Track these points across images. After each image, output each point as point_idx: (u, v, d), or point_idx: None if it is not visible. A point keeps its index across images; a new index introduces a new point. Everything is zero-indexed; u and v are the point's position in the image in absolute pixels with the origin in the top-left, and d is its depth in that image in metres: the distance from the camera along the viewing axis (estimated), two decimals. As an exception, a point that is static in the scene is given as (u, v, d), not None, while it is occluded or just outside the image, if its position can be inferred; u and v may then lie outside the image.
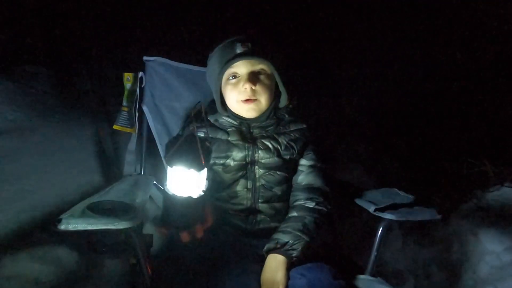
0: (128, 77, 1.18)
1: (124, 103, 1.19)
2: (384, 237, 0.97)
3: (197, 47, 2.22)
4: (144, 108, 1.16)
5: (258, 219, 0.99)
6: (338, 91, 2.31)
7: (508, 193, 1.73)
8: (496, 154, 1.95)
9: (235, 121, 1.03)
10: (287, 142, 1.02)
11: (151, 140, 1.20)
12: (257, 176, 0.99)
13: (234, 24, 2.37)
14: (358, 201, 1.05)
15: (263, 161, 0.99)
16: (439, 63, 2.33)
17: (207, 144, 0.79)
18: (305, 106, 1.13)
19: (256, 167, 0.99)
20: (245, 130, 1.03)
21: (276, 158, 0.99)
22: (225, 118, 1.04)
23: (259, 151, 0.99)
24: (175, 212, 0.75)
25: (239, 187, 0.99)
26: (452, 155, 2.04)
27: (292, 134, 1.04)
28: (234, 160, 0.98)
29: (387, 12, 2.38)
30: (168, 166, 0.73)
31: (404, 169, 2.07)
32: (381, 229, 0.97)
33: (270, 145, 1.00)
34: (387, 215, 0.95)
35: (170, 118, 1.24)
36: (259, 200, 0.99)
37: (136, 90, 1.16)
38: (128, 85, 1.18)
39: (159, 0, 2.40)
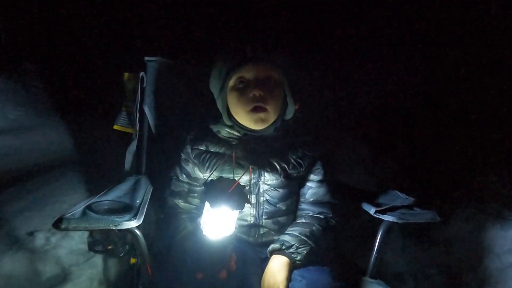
0: (129, 77, 1.17)
1: (125, 103, 1.18)
2: (385, 239, 0.97)
3: (199, 47, 2.23)
4: (145, 108, 1.16)
5: (261, 232, 0.97)
6: (339, 92, 2.31)
7: (509, 195, 1.73)
8: (497, 155, 1.95)
9: (239, 132, 0.96)
10: (294, 160, 0.96)
11: (152, 140, 1.20)
12: (261, 191, 0.95)
13: (237, 24, 2.37)
14: (359, 203, 1.05)
15: (268, 182, 0.95)
16: (441, 64, 2.33)
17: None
18: (307, 107, 1.07)
19: (261, 182, 0.95)
20: (250, 143, 0.96)
21: (282, 179, 0.95)
22: (227, 130, 0.96)
23: (265, 174, 0.94)
24: (211, 256, 0.74)
25: None
26: (453, 157, 2.04)
27: (300, 150, 0.98)
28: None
29: (389, 13, 2.38)
30: (207, 208, 0.71)
31: (405, 171, 2.07)
32: (381, 231, 0.97)
33: (277, 165, 0.94)
34: (388, 217, 0.95)
35: (171, 119, 1.24)
36: (263, 217, 0.96)
37: (137, 90, 1.15)
38: (128, 85, 1.17)
39: (160, 0, 2.40)
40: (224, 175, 0.92)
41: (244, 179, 0.93)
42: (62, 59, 2.29)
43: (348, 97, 2.32)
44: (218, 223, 0.71)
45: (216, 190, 0.69)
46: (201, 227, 0.72)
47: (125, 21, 2.35)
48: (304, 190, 1.00)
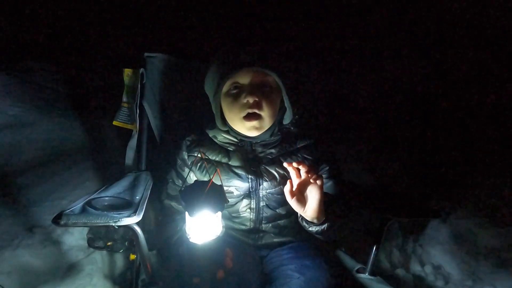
0: (128, 73, 1.16)
1: (125, 99, 1.18)
2: (384, 236, 0.97)
3: (199, 43, 2.22)
4: (145, 104, 1.16)
5: (261, 235, 0.97)
6: (339, 91, 2.30)
7: (508, 193, 1.73)
8: (497, 153, 1.95)
9: (236, 138, 0.94)
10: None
11: (151, 136, 1.19)
12: (261, 195, 0.93)
13: (237, 21, 2.36)
14: (359, 201, 1.05)
15: (267, 191, 0.93)
16: (441, 63, 2.32)
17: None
18: (307, 111, 1.03)
19: (260, 190, 0.93)
20: (247, 148, 0.94)
21: (281, 186, 0.91)
22: (224, 135, 0.95)
23: (264, 183, 0.92)
24: (205, 260, 0.73)
25: (242, 207, 0.93)
26: (453, 155, 2.04)
27: (299, 155, 0.95)
28: (237, 190, 0.92)
29: (388, 12, 2.37)
30: (188, 217, 0.70)
31: (404, 169, 2.07)
32: (381, 228, 0.97)
33: (275, 174, 0.92)
34: (387, 214, 0.95)
35: (171, 115, 1.24)
36: (263, 222, 0.95)
37: (137, 86, 1.15)
38: (128, 81, 1.17)
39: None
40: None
41: (242, 188, 0.92)
42: (62, 56, 2.28)
43: (348, 96, 2.32)
44: (202, 229, 0.70)
45: (192, 196, 0.68)
46: (187, 236, 0.72)
47: (126, 18, 2.34)
48: None
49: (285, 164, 0.80)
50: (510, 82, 2.11)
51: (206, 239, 0.70)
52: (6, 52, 2.13)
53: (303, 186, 0.79)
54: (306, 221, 0.84)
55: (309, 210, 0.80)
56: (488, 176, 1.86)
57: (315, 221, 0.82)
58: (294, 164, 0.78)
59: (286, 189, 0.80)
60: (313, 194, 0.78)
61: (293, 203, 0.80)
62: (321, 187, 0.77)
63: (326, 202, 0.82)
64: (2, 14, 2.17)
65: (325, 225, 0.82)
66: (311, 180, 0.77)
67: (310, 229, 0.85)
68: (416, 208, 1.00)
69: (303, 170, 0.77)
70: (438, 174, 1.98)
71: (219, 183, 0.76)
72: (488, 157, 1.96)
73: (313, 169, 0.77)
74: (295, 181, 0.79)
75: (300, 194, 0.80)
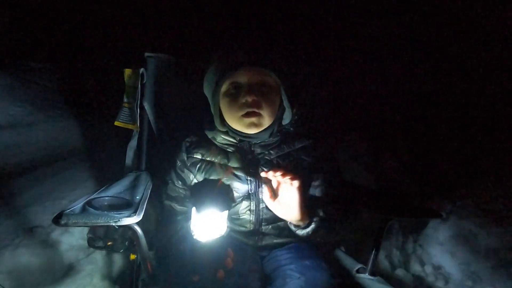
0: (129, 73, 1.17)
1: (125, 100, 1.18)
2: (384, 236, 0.97)
3: (199, 43, 2.22)
4: (145, 104, 1.16)
5: (261, 236, 0.97)
6: (339, 91, 2.31)
7: (508, 192, 1.73)
8: (497, 153, 1.95)
9: (235, 138, 0.94)
10: (292, 167, 0.92)
11: (152, 137, 1.20)
12: (260, 197, 0.92)
13: (236, 21, 2.36)
14: (359, 200, 1.05)
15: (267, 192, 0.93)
16: (441, 63, 2.32)
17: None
18: (306, 111, 1.02)
19: (259, 191, 0.92)
20: (247, 150, 0.94)
21: None
22: (223, 136, 0.94)
23: (263, 185, 0.90)
24: (206, 258, 0.73)
25: (242, 209, 0.93)
26: (453, 155, 2.04)
27: (297, 156, 0.94)
28: (236, 191, 0.91)
29: (388, 12, 2.37)
30: (195, 212, 0.70)
31: (404, 169, 2.07)
32: (381, 228, 0.97)
33: None
34: (388, 214, 0.95)
35: (171, 115, 1.24)
36: (263, 223, 0.94)
37: (137, 87, 1.15)
38: (129, 81, 1.17)
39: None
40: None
41: (242, 190, 0.91)
42: (62, 56, 2.28)
43: (348, 95, 2.32)
44: (207, 226, 0.71)
45: (201, 192, 0.69)
46: (191, 232, 0.72)
47: (127, 18, 2.34)
48: (310, 191, 0.97)
49: (263, 174, 0.80)
50: (510, 82, 2.11)
51: (210, 237, 0.71)
52: (6, 52, 2.13)
53: (281, 190, 0.80)
54: (294, 225, 0.85)
55: (292, 213, 0.80)
56: (488, 176, 1.86)
57: (300, 224, 0.83)
58: (270, 172, 0.79)
59: (266, 196, 0.80)
60: (292, 197, 0.79)
61: (274, 208, 0.81)
62: (299, 188, 0.78)
63: (310, 205, 0.83)
64: (2, 14, 2.17)
65: (309, 228, 0.83)
66: (287, 180, 0.77)
67: (297, 232, 0.86)
68: (416, 208, 1.00)
69: (278, 175, 0.77)
70: (438, 174, 1.98)
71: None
72: (488, 157, 1.96)
73: (288, 172, 0.77)
74: (273, 187, 0.80)
75: (280, 199, 0.81)
